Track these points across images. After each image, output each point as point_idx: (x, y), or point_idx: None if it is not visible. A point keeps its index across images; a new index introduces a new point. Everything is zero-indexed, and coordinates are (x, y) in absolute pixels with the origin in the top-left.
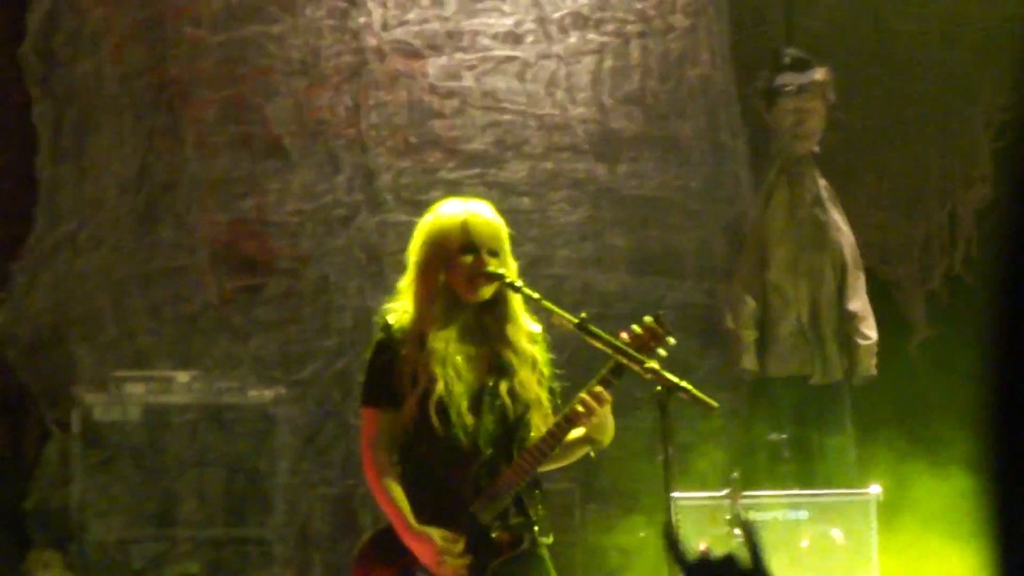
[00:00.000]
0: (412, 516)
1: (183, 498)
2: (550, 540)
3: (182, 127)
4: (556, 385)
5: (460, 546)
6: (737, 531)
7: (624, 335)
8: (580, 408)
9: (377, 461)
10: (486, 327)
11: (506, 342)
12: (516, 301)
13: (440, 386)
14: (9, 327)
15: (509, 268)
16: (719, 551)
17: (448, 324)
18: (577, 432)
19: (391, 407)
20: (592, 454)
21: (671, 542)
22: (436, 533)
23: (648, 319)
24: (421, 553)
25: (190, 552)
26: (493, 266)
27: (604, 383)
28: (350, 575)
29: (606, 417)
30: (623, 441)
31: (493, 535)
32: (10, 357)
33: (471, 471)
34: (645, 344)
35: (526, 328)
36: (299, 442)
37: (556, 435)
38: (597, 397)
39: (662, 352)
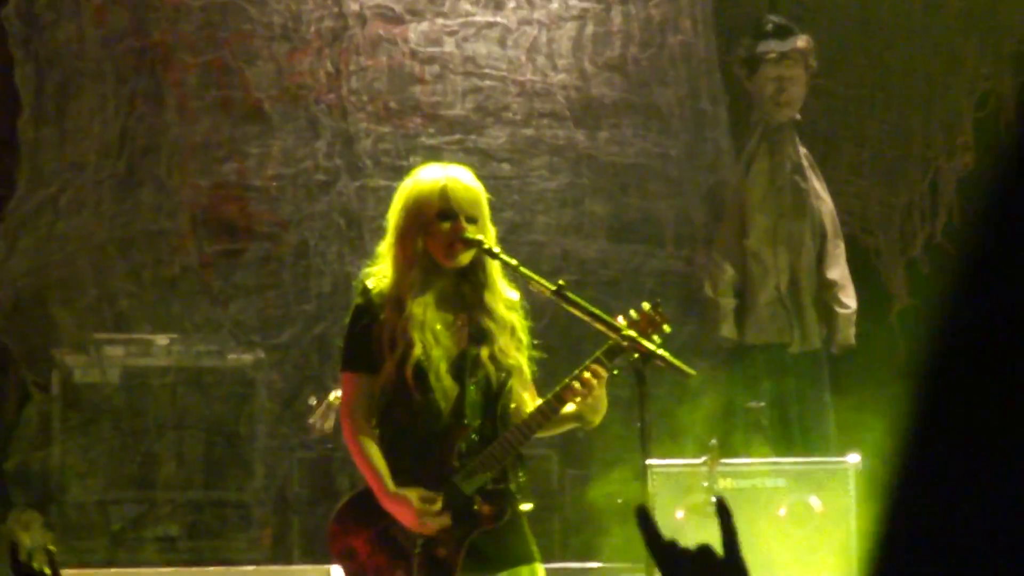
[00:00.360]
0: (390, 479)
1: (162, 460)
2: (530, 507)
3: (163, 91)
4: (535, 353)
5: (438, 505)
6: (714, 499)
7: (621, 319)
8: (576, 385)
9: (356, 425)
10: (464, 294)
11: (484, 309)
12: (494, 268)
13: (418, 350)
14: None
15: (487, 234)
16: (692, 540)
17: (426, 290)
18: (568, 408)
19: (370, 372)
20: (579, 433)
21: (645, 522)
22: (413, 494)
23: (646, 305)
24: (399, 514)
25: (169, 514)
26: (471, 232)
27: (598, 364)
28: (327, 536)
29: (599, 399)
30: None
31: (475, 507)
32: None
33: (456, 441)
34: (642, 330)
35: (504, 295)
36: (278, 406)
37: (545, 412)
38: (595, 375)
39: (657, 339)
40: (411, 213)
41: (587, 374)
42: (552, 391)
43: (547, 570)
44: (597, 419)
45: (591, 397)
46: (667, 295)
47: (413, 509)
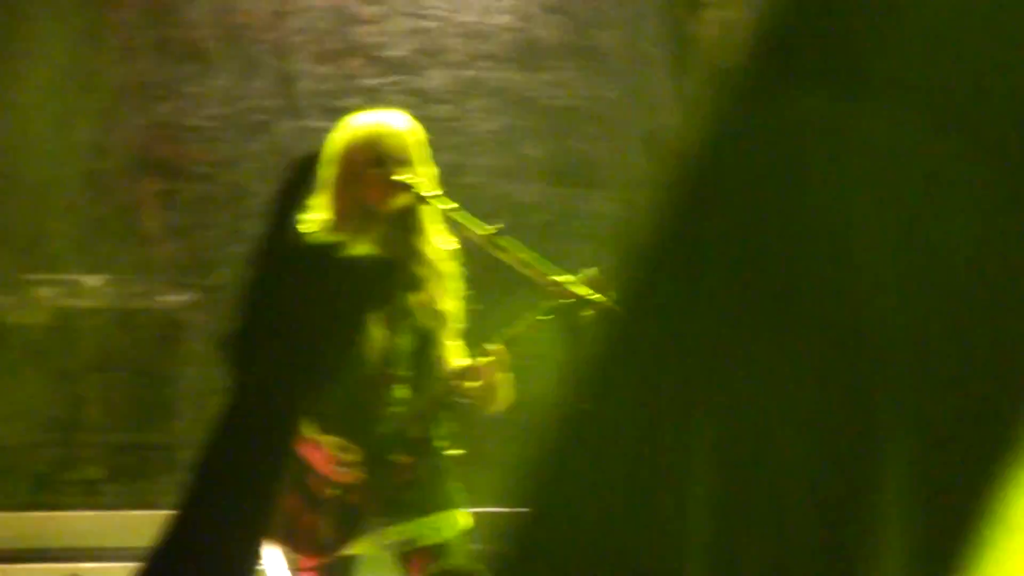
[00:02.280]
0: (307, 425)
1: (88, 403)
2: (458, 453)
3: (103, 30)
4: (468, 304)
5: (354, 456)
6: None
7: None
8: (475, 366)
9: None
10: (396, 241)
11: (417, 256)
12: (427, 213)
13: None
14: None
15: (422, 179)
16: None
17: (360, 238)
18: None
19: None
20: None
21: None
22: (328, 440)
23: (592, 271)
24: (313, 459)
25: (93, 457)
26: (404, 176)
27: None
28: None
29: (494, 387)
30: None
31: (391, 456)
32: None
33: (383, 389)
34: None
35: (437, 241)
36: (207, 349)
37: (458, 380)
38: (493, 361)
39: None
40: (344, 161)
41: (482, 360)
42: (469, 362)
43: (481, 515)
44: (490, 409)
45: (484, 384)
46: (604, 239)
47: (326, 454)
